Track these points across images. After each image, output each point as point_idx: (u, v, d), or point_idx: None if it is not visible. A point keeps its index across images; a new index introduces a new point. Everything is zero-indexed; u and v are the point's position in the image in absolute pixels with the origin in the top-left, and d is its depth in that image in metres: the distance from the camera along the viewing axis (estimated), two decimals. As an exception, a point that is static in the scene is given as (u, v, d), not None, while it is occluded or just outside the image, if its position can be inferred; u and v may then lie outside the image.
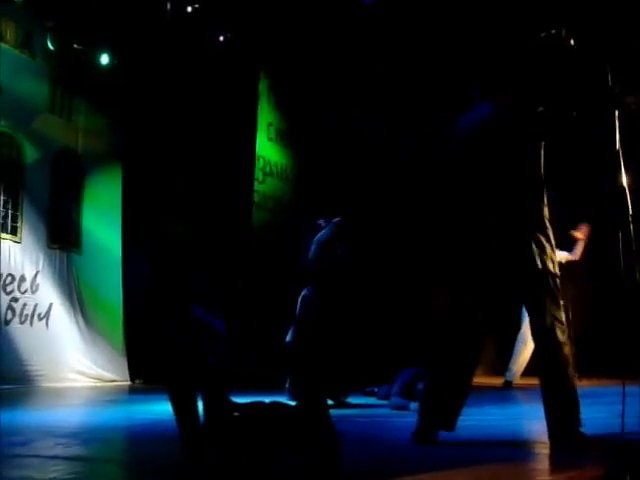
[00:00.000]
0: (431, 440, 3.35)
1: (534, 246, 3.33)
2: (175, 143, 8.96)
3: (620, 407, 3.08)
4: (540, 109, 3.40)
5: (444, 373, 3.46)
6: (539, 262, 3.31)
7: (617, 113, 3.25)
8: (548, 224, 3.41)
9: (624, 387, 3.08)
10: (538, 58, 3.48)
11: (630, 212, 3.17)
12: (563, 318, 3.36)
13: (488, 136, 3.43)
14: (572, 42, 3.39)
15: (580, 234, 7.38)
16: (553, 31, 3.39)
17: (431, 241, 8.60)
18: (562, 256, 6.76)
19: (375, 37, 8.47)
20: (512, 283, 3.42)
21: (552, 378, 3.27)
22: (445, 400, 3.43)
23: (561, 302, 3.41)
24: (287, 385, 5.75)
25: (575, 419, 3.21)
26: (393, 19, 8.23)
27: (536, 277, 3.33)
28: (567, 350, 3.29)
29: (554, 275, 3.36)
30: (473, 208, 3.45)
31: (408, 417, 3.57)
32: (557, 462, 3.05)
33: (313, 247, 5.89)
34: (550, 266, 3.34)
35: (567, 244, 7.30)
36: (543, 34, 3.42)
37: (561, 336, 3.29)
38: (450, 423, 3.41)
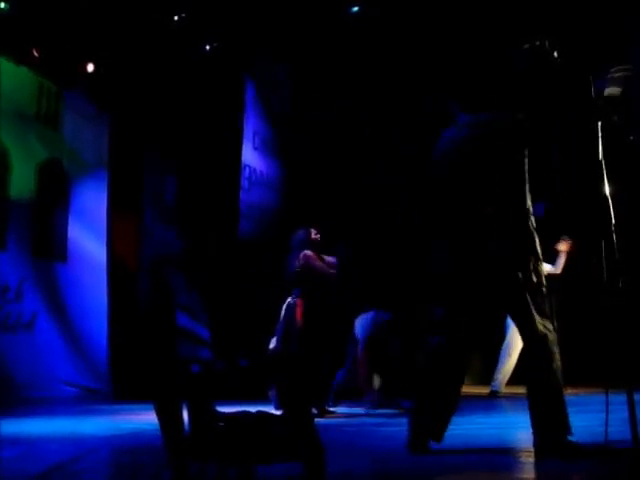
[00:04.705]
0: (424, 449, 3.36)
1: (518, 258, 3.36)
2: (161, 152, 8.95)
3: (604, 415, 3.10)
4: (519, 118, 3.44)
5: (433, 387, 3.47)
6: (522, 274, 3.34)
7: (600, 124, 3.29)
8: (534, 234, 3.43)
9: (607, 395, 3.11)
10: (519, 70, 3.52)
11: (613, 222, 3.20)
12: (552, 327, 3.39)
13: (465, 154, 3.47)
14: (555, 54, 3.42)
15: (563, 247, 7.40)
16: (537, 42, 3.43)
17: (418, 254, 8.62)
18: (544, 269, 6.75)
19: (363, 42, 8.52)
20: (497, 295, 3.44)
21: (541, 387, 3.28)
22: (434, 413, 3.44)
23: (549, 311, 3.44)
24: (271, 393, 5.75)
25: (564, 428, 3.22)
26: (380, 26, 8.28)
27: (521, 289, 3.35)
28: (557, 359, 3.32)
29: (539, 285, 3.38)
30: (455, 223, 3.47)
31: (394, 427, 3.58)
32: (544, 471, 3.06)
33: (292, 256, 5.89)
34: (534, 277, 3.36)
35: (550, 256, 7.33)
36: (526, 45, 3.45)
37: (552, 346, 3.32)
38: (439, 434, 3.42)
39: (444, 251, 3.51)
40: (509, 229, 3.38)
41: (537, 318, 3.32)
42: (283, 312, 5.80)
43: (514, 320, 3.53)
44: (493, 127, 3.47)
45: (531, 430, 3.27)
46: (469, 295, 3.43)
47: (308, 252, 5.82)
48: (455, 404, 3.50)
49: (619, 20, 7.54)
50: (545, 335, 3.31)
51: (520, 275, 3.34)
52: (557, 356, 3.33)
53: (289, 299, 5.81)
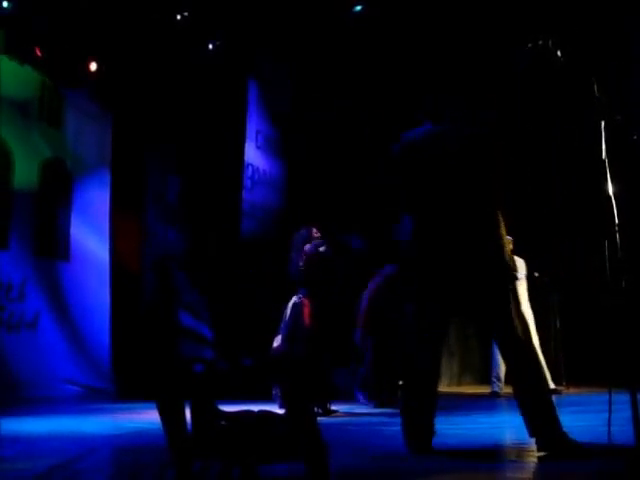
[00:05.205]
0: (425, 448, 3.36)
1: (509, 258, 3.37)
2: (163, 151, 8.95)
3: (606, 415, 3.10)
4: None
5: (417, 385, 3.47)
6: (511, 275, 3.36)
7: (603, 123, 3.29)
8: (501, 227, 3.43)
9: (610, 395, 3.10)
10: (519, 70, 3.53)
11: (616, 221, 3.20)
12: (520, 322, 3.38)
13: (456, 153, 3.48)
14: (558, 53, 3.42)
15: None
16: (540, 42, 3.43)
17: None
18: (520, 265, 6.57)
19: (363, 42, 8.52)
20: (488, 295, 3.42)
21: (530, 388, 3.28)
22: (423, 410, 3.45)
23: (524, 306, 3.45)
24: (275, 392, 5.75)
25: (559, 426, 3.22)
26: (380, 26, 8.28)
27: (507, 290, 3.36)
28: (539, 359, 3.33)
29: (507, 283, 3.40)
30: (453, 221, 3.46)
31: (398, 426, 3.57)
32: (544, 471, 3.06)
33: (297, 256, 5.87)
34: (502, 277, 3.38)
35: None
36: (529, 45, 3.45)
37: (532, 345, 3.34)
38: (430, 431, 3.42)
39: (440, 248, 3.49)
40: (500, 229, 3.40)
41: (516, 320, 3.33)
42: (288, 311, 5.76)
43: (493, 321, 3.49)
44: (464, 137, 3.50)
45: (528, 432, 3.26)
46: (466, 294, 3.42)
47: (306, 247, 5.80)
48: (436, 398, 3.50)
49: (619, 20, 7.53)
50: (522, 336, 3.32)
51: (509, 276, 3.36)
52: (539, 355, 3.35)
53: (294, 298, 5.77)
